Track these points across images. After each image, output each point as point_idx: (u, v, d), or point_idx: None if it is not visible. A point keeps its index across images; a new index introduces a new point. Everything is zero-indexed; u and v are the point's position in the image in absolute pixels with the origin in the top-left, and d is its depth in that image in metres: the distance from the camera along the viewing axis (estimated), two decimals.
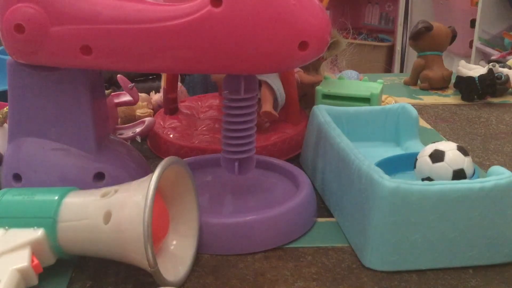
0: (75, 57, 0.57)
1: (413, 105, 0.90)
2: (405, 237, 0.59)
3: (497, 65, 1.23)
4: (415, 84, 1.34)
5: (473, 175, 0.68)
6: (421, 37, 1.28)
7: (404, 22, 3.28)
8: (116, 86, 1.07)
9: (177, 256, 0.59)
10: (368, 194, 0.60)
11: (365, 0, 3.53)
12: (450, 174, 0.67)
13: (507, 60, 1.38)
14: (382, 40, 3.39)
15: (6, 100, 0.66)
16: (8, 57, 0.62)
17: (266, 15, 0.54)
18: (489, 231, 0.59)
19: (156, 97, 1.07)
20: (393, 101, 1.13)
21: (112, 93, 0.90)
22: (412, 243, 0.59)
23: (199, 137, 0.89)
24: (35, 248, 0.54)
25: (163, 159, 0.57)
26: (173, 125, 0.95)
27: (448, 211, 0.58)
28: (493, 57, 2.17)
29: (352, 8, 3.52)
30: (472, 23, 2.81)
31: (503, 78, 1.22)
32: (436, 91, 1.29)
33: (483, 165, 0.87)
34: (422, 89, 1.31)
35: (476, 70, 1.26)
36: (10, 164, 0.65)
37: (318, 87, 0.95)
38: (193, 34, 0.55)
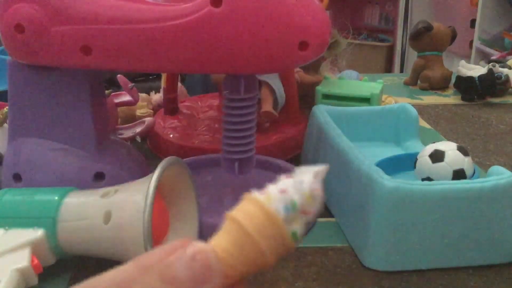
0: (75, 57, 0.57)
1: (413, 105, 0.90)
2: (405, 237, 0.59)
3: (497, 65, 1.23)
4: (415, 84, 1.34)
5: (473, 175, 0.68)
6: (421, 37, 1.27)
7: (404, 22, 3.28)
8: (116, 86, 1.07)
9: None
10: (368, 194, 0.60)
11: (365, 0, 3.53)
12: (450, 174, 0.67)
13: (507, 60, 1.38)
14: (382, 40, 3.39)
15: (6, 100, 0.66)
16: (8, 57, 0.62)
17: (266, 15, 0.54)
18: (489, 231, 0.59)
19: (156, 97, 1.07)
20: (393, 101, 1.13)
21: (112, 93, 0.90)
22: (412, 243, 0.59)
23: (199, 137, 0.89)
24: (35, 248, 0.54)
25: (163, 159, 0.57)
26: (173, 125, 0.94)
27: (448, 211, 0.58)
28: (493, 57, 2.17)
29: (352, 8, 3.52)
30: (472, 23, 2.81)
31: (503, 78, 1.21)
32: (436, 91, 1.29)
33: (483, 165, 0.87)
34: (422, 89, 1.31)
35: (476, 70, 1.26)
36: (10, 164, 0.65)
37: (318, 87, 0.95)
38: (193, 34, 0.55)
